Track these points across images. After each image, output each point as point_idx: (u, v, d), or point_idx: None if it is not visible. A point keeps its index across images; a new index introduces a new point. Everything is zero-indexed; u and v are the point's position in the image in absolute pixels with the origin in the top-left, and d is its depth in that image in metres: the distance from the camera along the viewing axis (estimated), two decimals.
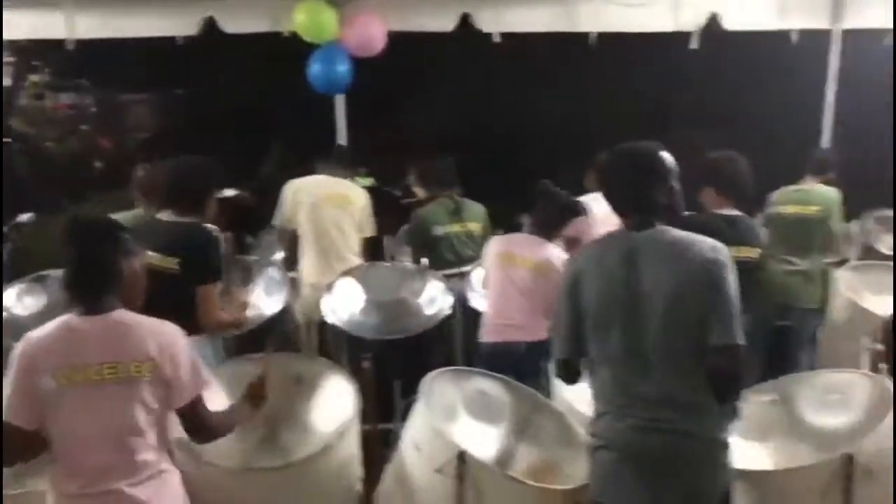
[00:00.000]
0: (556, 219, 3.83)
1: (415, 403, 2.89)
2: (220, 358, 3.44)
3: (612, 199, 2.54)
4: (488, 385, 3.18)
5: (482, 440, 3.02)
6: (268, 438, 3.20)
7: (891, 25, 5.31)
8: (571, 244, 4.78)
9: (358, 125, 5.73)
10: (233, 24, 5.26)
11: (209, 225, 3.34)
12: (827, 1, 5.46)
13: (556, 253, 3.73)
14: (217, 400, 2.76)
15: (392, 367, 4.06)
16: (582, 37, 5.28)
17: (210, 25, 5.24)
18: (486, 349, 3.77)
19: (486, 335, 3.78)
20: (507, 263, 3.74)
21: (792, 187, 4.77)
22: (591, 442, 2.53)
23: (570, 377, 2.60)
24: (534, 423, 3.16)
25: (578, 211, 3.87)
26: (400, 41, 5.22)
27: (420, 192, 4.89)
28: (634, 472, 2.39)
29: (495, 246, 3.87)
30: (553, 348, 2.62)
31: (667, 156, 2.50)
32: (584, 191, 4.87)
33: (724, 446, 2.42)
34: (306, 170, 4.73)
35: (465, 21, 5.29)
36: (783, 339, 4.53)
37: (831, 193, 4.70)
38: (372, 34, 5.14)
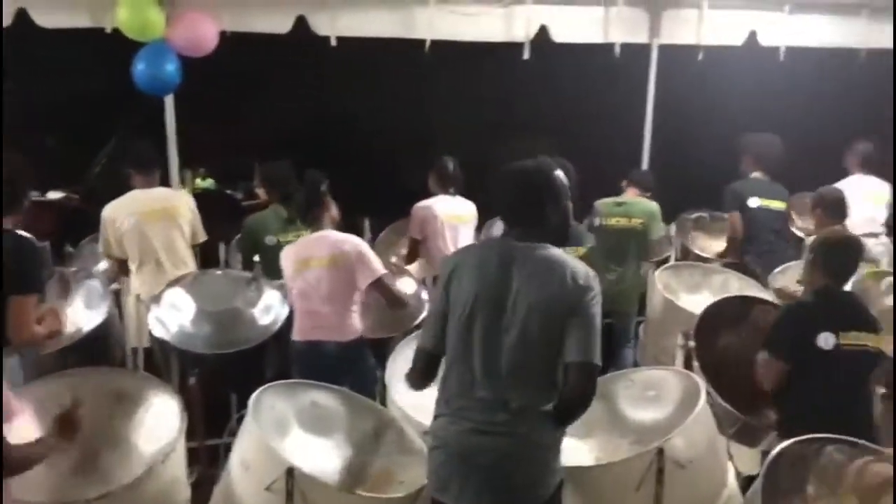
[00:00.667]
0: (312, 202, 3.78)
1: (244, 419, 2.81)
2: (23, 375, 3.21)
3: (504, 212, 2.64)
4: (322, 396, 3.14)
5: (317, 454, 2.98)
6: (86, 461, 3.01)
7: (702, 42, 5.77)
8: (413, 247, 4.89)
9: (193, 126, 5.51)
10: (47, 18, 4.90)
11: (23, 232, 3.09)
12: (646, 17, 5.81)
13: (347, 241, 3.70)
14: (25, 427, 2.56)
15: (227, 379, 3.94)
16: (419, 43, 5.34)
17: (21, 17, 4.85)
18: (297, 348, 3.71)
19: (297, 334, 3.72)
20: (304, 269, 3.67)
21: (614, 199, 5.04)
22: (429, 442, 2.60)
23: (425, 375, 2.62)
24: (370, 432, 3.16)
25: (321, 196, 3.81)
26: (236, 41, 5.07)
27: (262, 195, 4.78)
28: (466, 473, 2.46)
29: (288, 255, 3.74)
30: (420, 338, 2.68)
31: (560, 175, 2.61)
32: (427, 193, 4.97)
33: (557, 450, 2.54)
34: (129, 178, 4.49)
35: (301, 23, 5.21)
36: (608, 339, 4.79)
37: (652, 207, 5.08)
38: (201, 33, 4.94)
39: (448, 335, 2.53)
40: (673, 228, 5.76)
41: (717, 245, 5.73)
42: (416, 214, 4.87)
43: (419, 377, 2.64)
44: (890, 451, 2.73)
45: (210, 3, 5.01)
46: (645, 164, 5.99)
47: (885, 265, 4.87)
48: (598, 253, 4.41)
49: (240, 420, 2.96)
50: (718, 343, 3.84)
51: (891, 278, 4.27)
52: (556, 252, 2.52)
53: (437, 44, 5.29)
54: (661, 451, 2.74)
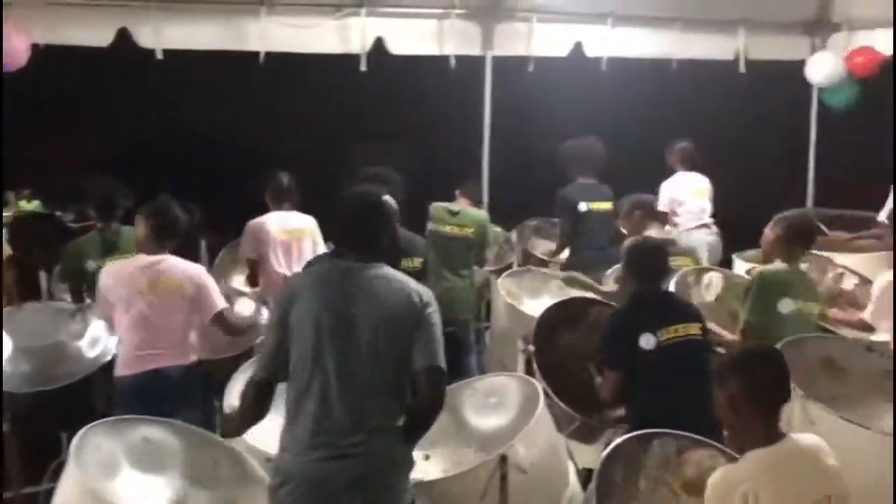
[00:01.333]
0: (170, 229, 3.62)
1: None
2: None
3: (342, 236, 2.68)
4: (154, 431, 2.97)
5: (150, 493, 2.82)
6: None
7: (532, 54, 5.97)
8: (252, 267, 4.72)
9: (12, 145, 5.10)
10: None
11: None
12: (478, 30, 5.94)
13: (188, 272, 3.56)
14: None
15: (53, 418, 3.66)
16: (252, 55, 5.20)
17: None
18: (126, 382, 3.45)
19: (125, 367, 3.46)
20: (140, 296, 3.46)
21: (447, 206, 5.08)
22: (272, 481, 2.51)
23: (260, 407, 2.53)
24: (209, 464, 3.02)
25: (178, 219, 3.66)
26: (54, 55, 4.74)
27: (94, 217, 4.49)
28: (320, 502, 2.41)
29: (120, 281, 3.50)
30: (255, 369, 2.61)
31: (390, 199, 2.76)
32: (265, 208, 4.83)
33: (409, 468, 2.56)
34: None
35: (124, 36, 4.95)
36: (451, 348, 4.85)
37: (482, 216, 5.17)
38: (11, 47, 4.59)
39: (293, 364, 2.48)
40: (514, 235, 5.91)
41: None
42: (248, 232, 4.72)
43: (252, 411, 2.55)
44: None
45: (20, 16, 4.66)
46: (485, 172, 6.11)
47: (705, 260, 5.22)
48: (433, 258, 4.44)
49: (59, 466, 2.75)
50: (558, 345, 3.97)
51: (711, 274, 4.57)
52: (393, 272, 2.61)
53: (271, 56, 5.17)
54: (503, 458, 2.79)
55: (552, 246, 6.10)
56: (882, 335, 3.99)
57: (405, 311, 2.49)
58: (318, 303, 2.47)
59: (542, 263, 5.63)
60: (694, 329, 3.41)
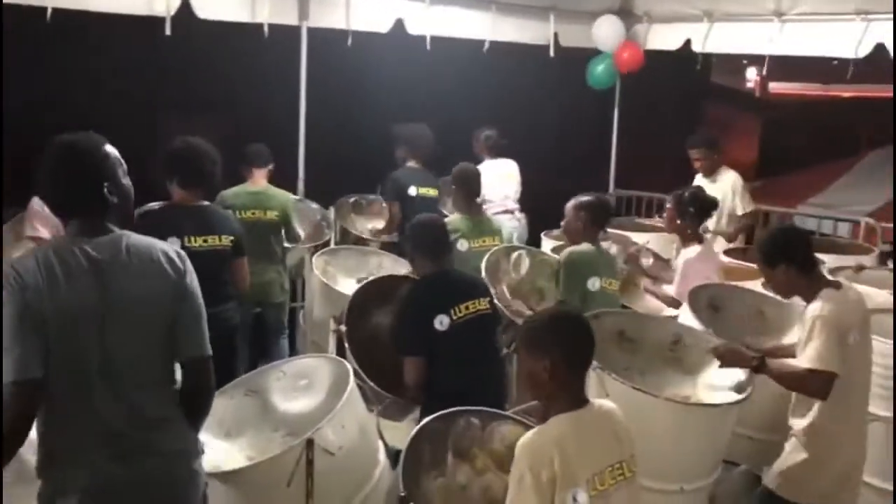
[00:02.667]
0: None
1: None
2: None
3: (54, 198, 2.28)
4: None
5: None
6: None
7: (351, 27, 5.85)
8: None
9: None
10: None
11: None
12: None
13: None
14: None
15: None
16: (38, 11, 4.69)
17: None
18: None
19: None
20: None
21: (245, 188, 4.84)
22: (43, 492, 2.21)
23: (30, 408, 2.13)
24: None
25: None
26: None
27: None
28: None
29: None
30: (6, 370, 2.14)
31: (111, 149, 2.31)
32: None
33: (198, 454, 2.40)
34: None
35: None
36: (262, 331, 4.72)
37: (286, 196, 5.01)
38: None
39: (51, 365, 2.10)
40: (332, 212, 5.81)
41: (376, 226, 5.93)
42: (29, 210, 4.30)
43: (21, 417, 2.11)
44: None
45: None
46: (301, 146, 5.93)
47: (515, 240, 5.39)
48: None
49: None
50: (370, 323, 3.95)
51: (519, 252, 4.72)
52: (137, 237, 2.27)
53: (59, 13, 4.69)
54: (310, 442, 2.72)
55: (370, 223, 6.09)
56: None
57: (165, 280, 2.22)
58: (58, 293, 2.12)
59: (362, 241, 5.58)
60: (484, 304, 3.52)
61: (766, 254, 3.19)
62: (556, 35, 6.94)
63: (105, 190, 2.24)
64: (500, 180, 6.12)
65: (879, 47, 5.85)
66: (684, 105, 10.07)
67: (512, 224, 6.02)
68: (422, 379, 3.40)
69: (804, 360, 2.96)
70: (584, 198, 4.18)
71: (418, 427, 2.80)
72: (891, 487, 3.64)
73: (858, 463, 3.18)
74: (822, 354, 2.92)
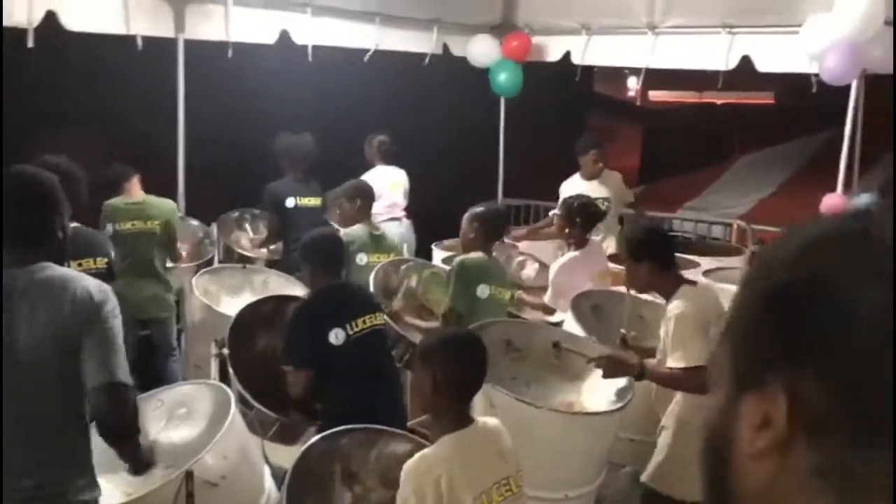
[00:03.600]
0: None
1: None
2: None
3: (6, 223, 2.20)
4: None
5: None
6: None
7: (231, 39, 5.70)
8: None
9: None
10: None
11: None
12: (169, 10, 5.54)
13: None
14: None
15: None
16: None
17: None
18: None
19: None
20: None
21: (123, 200, 4.69)
22: None
23: None
24: None
25: None
26: None
27: None
28: None
29: None
30: None
31: (55, 181, 2.33)
32: None
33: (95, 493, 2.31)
34: None
35: None
36: (149, 352, 4.53)
37: (168, 205, 4.85)
38: None
39: None
40: (214, 228, 5.64)
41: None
42: None
43: None
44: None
45: None
46: (180, 161, 5.71)
47: (406, 250, 5.39)
48: (119, 260, 4.09)
49: None
50: (255, 346, 3.85)
51: (409, 265, 4.71)
52: (62, 271, 2.25)
53: None
54: (189, 474, 2.62)
55: (255, 239, 5.95)
56: (560, 315, 4.41)
57: (74, 316, 2.16)
58: None
59: (247, 259, 5.45)
60: (379, 319, 3.50)
61: (632, 249, 3.33)
62: (445, 45, 7.00)
63: (51, 225, 2.25)
64: (389, 188, 6.12)
65: (745, 59, 6.18)
66: (569, 115, 10.36)
67: (399, 231, 6.03)
68: (308, 393, 3.33)
69: (676, 361, 3.07)
70: (479, 209, 4.19)
71: (305, 447, 2.75)
72: None
73: None
74: (690, 351, 3.03)
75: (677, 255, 5.90)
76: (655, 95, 16.76)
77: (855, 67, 5.51)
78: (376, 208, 5.64)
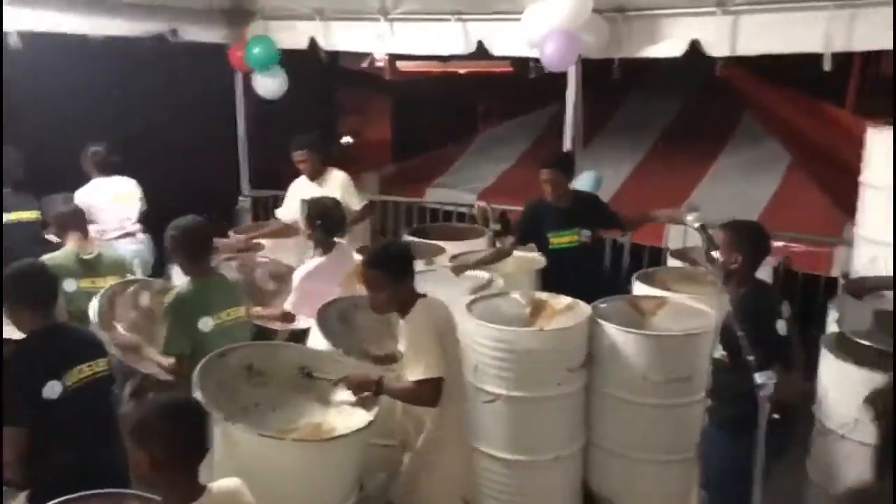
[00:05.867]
0: None
1: None
2: None
3: None
4: None
5: None
6: None
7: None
8: None
9: None
10: None
11: None
12: None
13: None
14: None
15: None
16: None
17: None
18: None
19: None
20: None
21: None
22: None
23: None
24: None
25: None
26: None
27: None
28: None
29: None
30: None
31: None
32: None
33: None
34: None
35: None
36: None
37: None
38: None
39: None
40: None
41: None
42: None
43: None
44: None
45: None
46: None
47: (138, 268, 4.99)
48: None
49: None
50: None
51: (138, 285, 4.37)
52: None
53: None
54: None
55: None
56: (301, 322, 4.32)
57: None
58: None
59: None
60: (102, 366, 3.17)
61: (392, 269, 3.23)
62: (174, 31, 6.52)
63: None
64: (116, 201, 5.63)
65: (480, 44, 6.40)
66: (317, 95, 10.15)
67: (133, 248, 5.57)
68: (23, 453, 2.95)
69: (413, 374, 3.12)
70: (178, 225, 3.71)
71: None
72: (506, 455, 4.10)
73: (465, 460, 3.45)
74: (427, 363, 3.09)
75: (426, 241, 6.13)
76: (403, 66, 16.90)
77: (571, 54, 5.89)
78: (106, 224, 5.20)
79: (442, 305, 3.37)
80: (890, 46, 4.79)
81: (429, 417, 3.24)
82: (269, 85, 7.01)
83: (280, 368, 3.52)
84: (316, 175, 5.84)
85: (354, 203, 5.86)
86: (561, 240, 5.07)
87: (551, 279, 5.06)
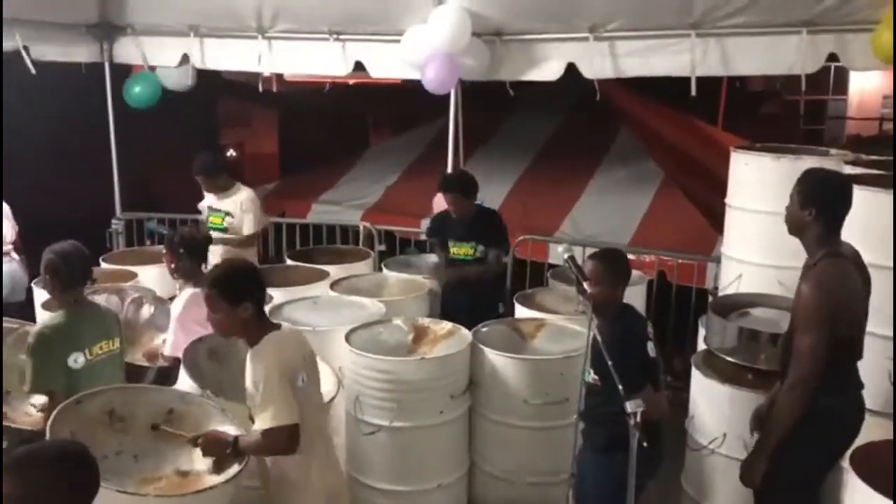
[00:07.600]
0: None
1: None
2: None
3: None
4: None
5: None
6: None
7: None
8: None
9: None
10: None
11: None
12: None
13: None
14: None
15: None
16: None
17: None
18: None
19: None
20: None
21: None
22: None
23: None
24: None
25: None
26: None
27: None
28: None
29: None
30: None
31: None
32: None
33: None
34: None
35: None
36: None
37: None
38: None
39: None
40: None
41: None
42: None
43: None
44: None
45: None
46: None
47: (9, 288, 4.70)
48: None
49: None
50: None
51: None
52: None
53: None
54: None
55: None
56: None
57: None
58: None
59: None
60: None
61: (228, 289, 3.03)
62: (26, 49, 6.11)
63: None
64: None
65: (359, 64, 6.31)
66: (198, 108, 9.80)
67: (9, 268, 5.29)
68: None
69: (262, 421, 2.93)
70: (52, 251, 3.52)
71: None
72: (389, 486, 4.06)
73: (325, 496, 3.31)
74: (275, 411, 2.90)
75: (308, 265, 5.98)
76: (291, 76, 16.51)
77: (452, 77, 5.91)
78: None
79: (297, 340, 3.20)
80: (749, 73, 5.03)
81: (276, 462, 3.13)
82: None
83: (143, 413, 3.33)
84: (220, 190, 5.75)
85: (247, 226, 5.69)
86: (459, 251, 5.40)
87: (449, 289, 5.42)
